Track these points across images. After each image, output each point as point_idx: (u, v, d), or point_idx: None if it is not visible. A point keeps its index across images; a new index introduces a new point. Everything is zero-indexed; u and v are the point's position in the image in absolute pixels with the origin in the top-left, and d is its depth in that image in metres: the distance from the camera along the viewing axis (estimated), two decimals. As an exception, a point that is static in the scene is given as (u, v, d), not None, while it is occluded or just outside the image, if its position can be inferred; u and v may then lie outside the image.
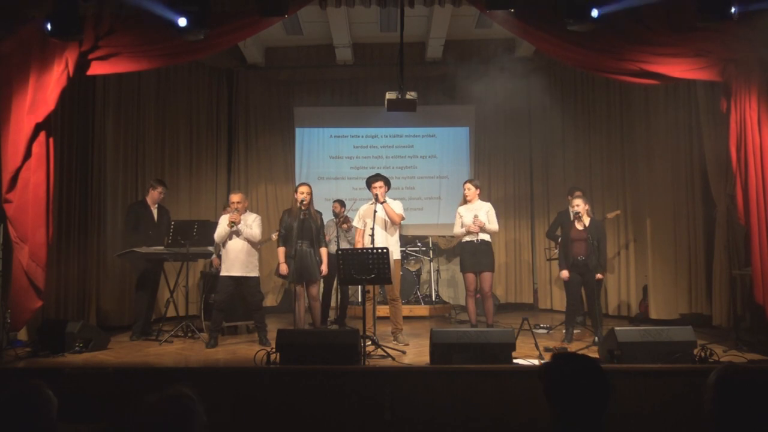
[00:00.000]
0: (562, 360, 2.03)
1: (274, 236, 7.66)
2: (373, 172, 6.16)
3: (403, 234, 8.63)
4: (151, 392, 1.77)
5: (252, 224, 5.87)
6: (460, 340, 4.60)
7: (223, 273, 5.84)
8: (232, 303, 6.13)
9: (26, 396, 1.96)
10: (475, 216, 6.09)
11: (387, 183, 5.99)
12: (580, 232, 5.93)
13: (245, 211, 5.94)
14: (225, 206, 6.43)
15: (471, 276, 6.14)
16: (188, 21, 4.87)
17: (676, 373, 4.28)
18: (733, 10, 4.59)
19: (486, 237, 6.14)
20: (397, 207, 5.98)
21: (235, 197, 5.86)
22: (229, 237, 5.80)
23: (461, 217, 6.22)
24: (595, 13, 4.86)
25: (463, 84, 9.06)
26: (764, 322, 5.00)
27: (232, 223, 5.71)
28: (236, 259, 5.78)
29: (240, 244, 5.81)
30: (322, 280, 6.37)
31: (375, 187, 5.89)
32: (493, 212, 6.22)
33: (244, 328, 6.70)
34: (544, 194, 8.99)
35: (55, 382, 2.10)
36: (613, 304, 7.82)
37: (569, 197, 6.78)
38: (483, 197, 6.44)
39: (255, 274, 5.92)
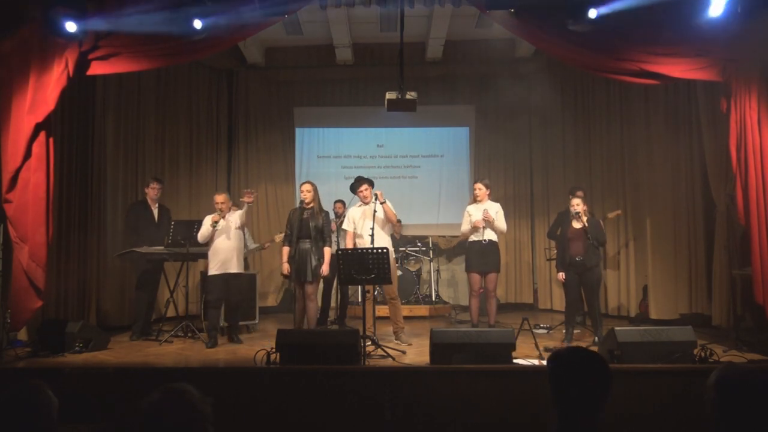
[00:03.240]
0: (566, 350, 2.06)
1: (277, 238, 7.68)
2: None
3: (404, 234, 8.64)
4: (153, 390, 1.76)
5: (237, 219, 5.94)
6: (460, 340, 4.60)
7: (213, 272, 5.87)
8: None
9: (26, 396, 1.96)
10: (485, 210, 6.09)
11: (371, 183, 6.03)
12: (578, 232, 5.93)
13: (230, 210, 5.96)
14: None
15: (476, 276, 6.14)
16: (187, 22, 4.90)
17: (676, 373, 4.29)
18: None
19: (493, 237, 6.15)
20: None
21: (219, 198, 5.89)
22: (216, 236, 5.84)
23: (470, 215, 6.22)
24: (593, 13, 4.87)
25: (463, 84, 9.11)
26: (764, 322, 5.00)
27: (215, 223, 5.76)
28: (226, 258, 5.84)
29: (228, 242, 5.85)
30: (322, 279, 6.35)
31: (361, 191, 5.91)
32: (501, 213, 6.23)
33: (244, 328, 6.69)
34: (544, 194, 8.99)
35: (55, 382, 2.10)
36: (613, 304, 7.82)
37: (570, 197, 6.78)
38: (489, 197, 6.40)
39: (239, 271, 5.99)
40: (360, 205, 5.94)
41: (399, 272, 6.47)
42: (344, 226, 6.16)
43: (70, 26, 4.86)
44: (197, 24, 4.95)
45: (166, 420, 1.68)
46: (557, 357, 2.01)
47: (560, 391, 1.92)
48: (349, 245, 5.96)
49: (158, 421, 1.68)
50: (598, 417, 1.88)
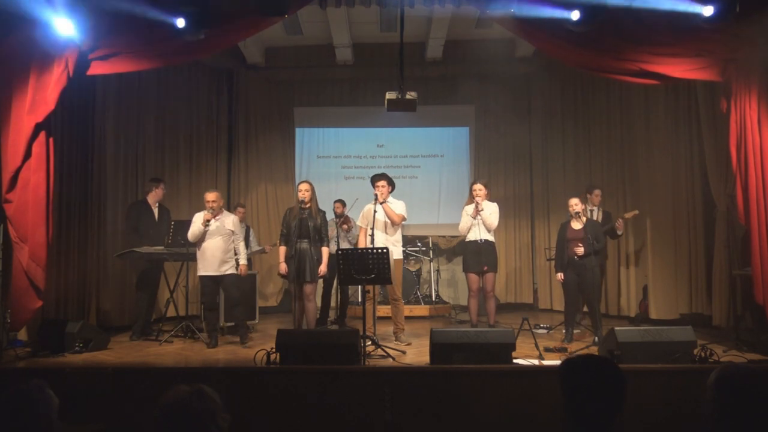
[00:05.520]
0: (580, 359, 1.98)
1: (267, 248, 7.72)
2: (374, 172, 6.16)
3: (404, 234, 8.61)
4: (162, 390, 1.76)
5: (237, 236, 5.92)
6: (460, 340, 4.60)
7: (201, 273, 5.82)
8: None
9: (27, 395, 1.97)
10: (476, 200, 6.08)
11: (390, 183, 6.00)
12: (577, 232, 5.93)
13: (221, 210, 5.93)
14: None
15: (474, 276, 6.14)
16: (186, 22, 4.90)
17: (676, 373, 4.28)
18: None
19: (490, 237, 6.14)
20: (398, 207, 5.98)
21: (210, 196, 5.83)
22: (206, 236, 5.78)
23: (467, 215, 6.22)
24: (576, 15, 4.88)
25: (463, 84, 9.10)
26: (764, 322, 5.00)
27: (207, 222, 5.72)
28: (213, 258, 5.77)
29: (216, 242, 5.79)
30: (321, 279, 6.34)
31: (377, 186, 5.90)
32: (497, 213, 6.21)
33: (244, 328, 6.69)
34: (544, 194, 8.99)
35: (56, 381, 2.10)
36: (613, 304, 7.82)
37: (587, 194, 6.80)
38: (487, 197, 6.36)
39: (231, 271, 5.90)
40: (375, 202, 5.91)
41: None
42: (358, 222, 6.18)
43: (69, 26, 4.86)
44: (180, 23, 4.93)
45: (186, 420, 1.68)
46: (570, 365, 1.94)
47: (573, 400, 1.86)
48: (362, 241, 5.97)
49: (178, 419, 1.68)
50: (610, 426, 1.83)
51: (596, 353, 4.94)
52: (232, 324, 6.52)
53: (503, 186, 9.09)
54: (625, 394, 1.85)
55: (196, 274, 5.93)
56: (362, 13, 7.47)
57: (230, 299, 6.00)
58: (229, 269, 5.87)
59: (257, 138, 9.11)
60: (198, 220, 5.78)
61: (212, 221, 5.77)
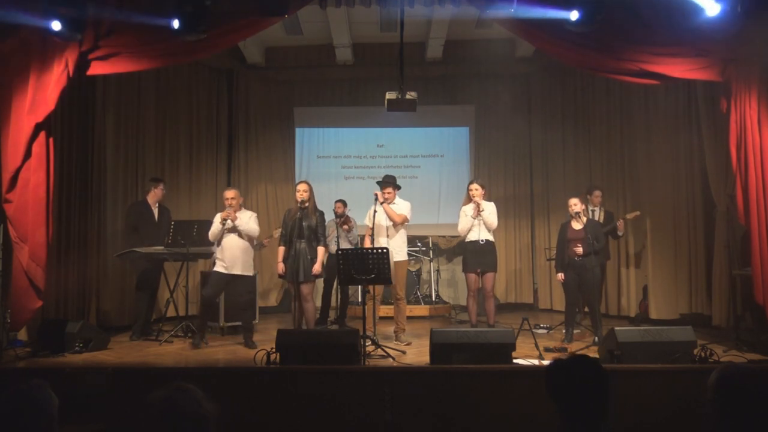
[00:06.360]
0: (561, 362, 2.03)
1: (275, 233, 7.64)
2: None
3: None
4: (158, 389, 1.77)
5: (248, 220, 5.82)
6: (460, 340, 4.60)
7: (218, 269, 5.75)
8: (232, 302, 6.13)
9: (27, 395, 1.96)
10: (475, 199, 6.07)
11: (396, 187, 6.06)
12: (577, 232, 5.93)
13: (240, 208, 5.89)
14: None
15: (473, 276, 6.13)
16: (182, 22, 4.89)
17: (676, 373, 4.29)
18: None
19: (490, 237, 6.13)
20: (399, 208, 6.00)
21: (229, 193, 5.82)
22: (225, 234, 5.75)
23: (466, 215, 6.21)
24: (575, 15, 4.88)
25: (463, 84, 9.11)
26: (764, 322, 5.00)
27: (224, 220, 5.68)
28: (232, 257, 5.72)
29: (236, 241, 5.75)
30: (322, 279, 6.32)
31: (384, 192, 5.96)
32: (495, 212, 6.18)
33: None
34: (544, 194, 8.99)
35: (56, 381, 2.10)
36: (613, 304, 7.82)
37: (588, 195, 6.80)
38: (484, 197, 6.36)
39: (250, 273, 5.86)
40: (375, 202, 5.91)
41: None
42: (366, 221, 6.19)
43: (68, 26, 4.86)
44: (175, 24, 4.93)
45: (175, 414, 1.68)
46: (555, 368, 1.99)
47: (562, 400, 1.90)
48: (367, 242, 6.02)
49: (168, 415, 1.69)
50: (600, 424, 1.86)
51: (596, 353, 4.95)
52: (231, 324, 6.52)
53: (503, 186, 9.09)
54: (608, 392, 1.88)
55: (213, 269, 5.84)
56: (362, 13, 7.47)
57: (240, 303, 5.98)
58: (248, 270, 5.83)
59: (257, 138, 9.11)
60: (217, 219, 5.76)
61: (229, 219, 5.73)
